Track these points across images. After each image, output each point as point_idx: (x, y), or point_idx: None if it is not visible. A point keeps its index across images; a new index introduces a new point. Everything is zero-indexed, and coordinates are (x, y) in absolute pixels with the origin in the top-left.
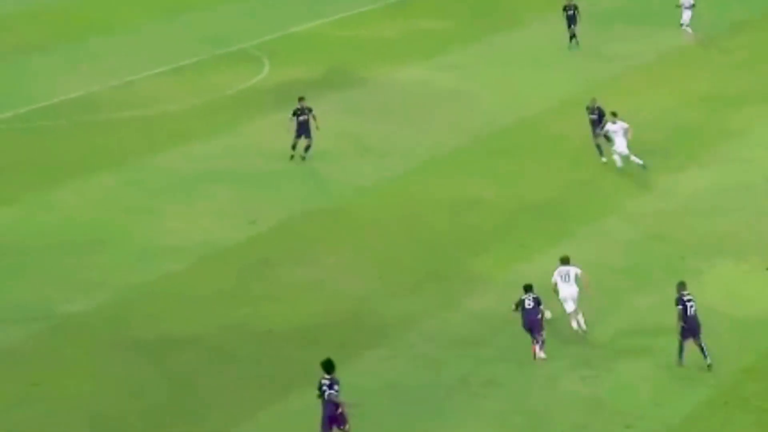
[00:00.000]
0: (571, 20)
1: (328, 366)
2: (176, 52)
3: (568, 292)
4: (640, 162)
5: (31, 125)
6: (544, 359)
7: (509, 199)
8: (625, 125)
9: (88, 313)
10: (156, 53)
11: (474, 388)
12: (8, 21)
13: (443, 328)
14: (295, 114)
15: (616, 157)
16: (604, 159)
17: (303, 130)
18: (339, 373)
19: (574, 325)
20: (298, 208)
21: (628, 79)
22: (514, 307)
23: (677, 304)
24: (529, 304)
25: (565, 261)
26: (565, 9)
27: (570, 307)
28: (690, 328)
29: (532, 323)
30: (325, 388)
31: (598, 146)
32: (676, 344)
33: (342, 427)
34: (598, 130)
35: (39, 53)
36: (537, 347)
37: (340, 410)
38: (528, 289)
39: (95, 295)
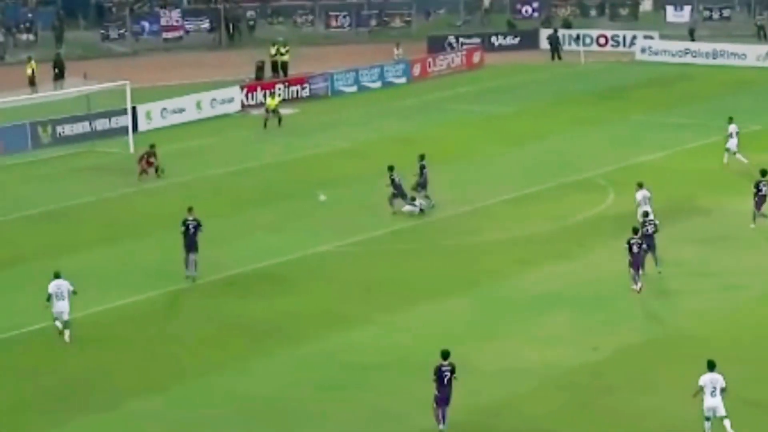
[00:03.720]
0: None
1: (447, 354)
2: (524, 181)
3: None
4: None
5: (385, 248)
6: None
7: None
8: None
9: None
10: (505, 181)
11: None
12: (371, 146)
13: None
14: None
15: None
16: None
17: None
18: None
19: None
20: (637, 334)
21: None
22: None
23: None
24: None
25: None
26: None
27: None
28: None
29: None
30: (447, 373)
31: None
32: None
33: (447, 406)
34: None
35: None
36: None
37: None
38: None
39: None
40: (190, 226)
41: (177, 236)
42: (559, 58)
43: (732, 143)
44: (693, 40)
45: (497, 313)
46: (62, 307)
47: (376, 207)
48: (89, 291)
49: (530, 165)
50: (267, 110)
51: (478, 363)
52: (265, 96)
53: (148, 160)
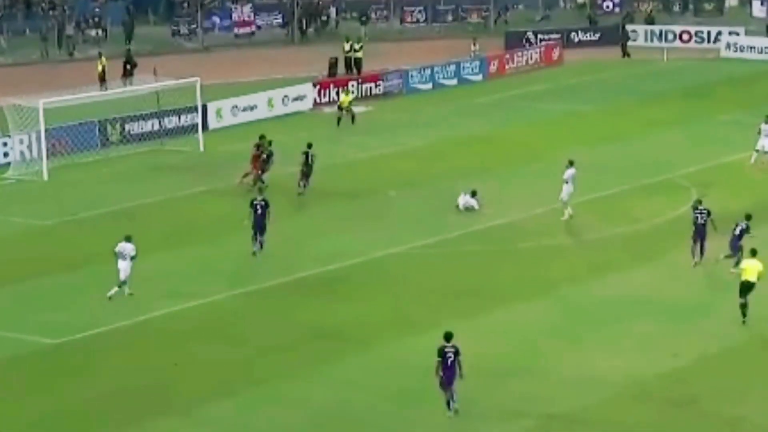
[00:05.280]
0: None
1: (450, 336)
2: (603, 181)
3: None
4: None
5: (459, 250)
6: None
7: None
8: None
9: None
10: (583, 182)
11: None
12: (445, 145)
13: None
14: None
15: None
16: None
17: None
18: None
19: None
20: (720, 340)
21: None
22: None
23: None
24: None
25: None
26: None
27: None
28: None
29: None
30: (450, 355)
31: None
32: None
33: (452, 386)
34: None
35: (473, 179)
36: None
37: (457, 373)
38: None
39: (513, 423)
40: (258, 207)
41: (248, 238)
42: (627, 55)
43: (763, 143)
44: None
45: (574, 319)
46: (122, 266)
47: (450, 208)
48: (159, 293)
49: (610, 165)
50: (340, 108)
51: (554, 370)
52: (338, 93)
53: (259, 159)
